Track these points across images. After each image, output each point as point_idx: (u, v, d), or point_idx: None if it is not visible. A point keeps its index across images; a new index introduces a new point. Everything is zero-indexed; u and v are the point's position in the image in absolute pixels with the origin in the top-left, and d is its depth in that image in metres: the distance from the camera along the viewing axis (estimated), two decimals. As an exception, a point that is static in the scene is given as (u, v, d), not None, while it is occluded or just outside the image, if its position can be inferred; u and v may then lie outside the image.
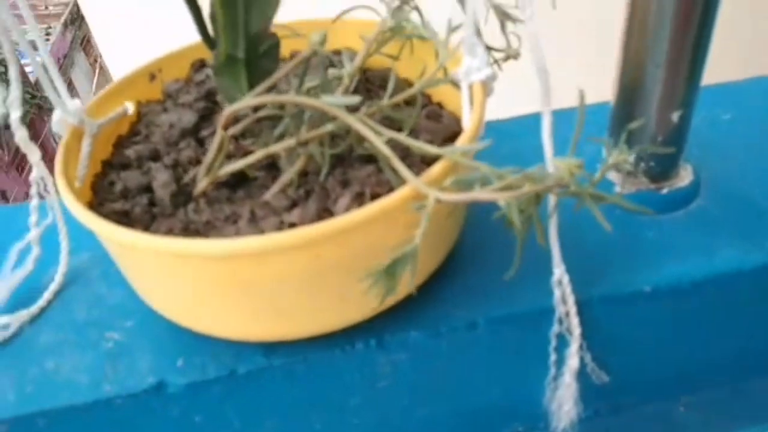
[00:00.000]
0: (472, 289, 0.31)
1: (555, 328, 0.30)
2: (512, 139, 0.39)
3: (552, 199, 0.27)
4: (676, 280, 0.31)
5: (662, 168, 0.34)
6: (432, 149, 0.25)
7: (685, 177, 0.35)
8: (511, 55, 0.39)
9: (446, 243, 0.31)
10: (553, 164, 0.26)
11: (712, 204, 0.35)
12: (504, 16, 0.37)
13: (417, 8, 0.37)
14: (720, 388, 0.38)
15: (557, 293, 0.29)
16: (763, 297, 0.33)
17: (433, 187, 0.23)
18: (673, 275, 0.31)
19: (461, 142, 0.27)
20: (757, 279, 0.31)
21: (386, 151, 0.25)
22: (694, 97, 0.32)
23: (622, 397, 0.36)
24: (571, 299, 0.29)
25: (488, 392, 0.33)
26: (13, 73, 0.29)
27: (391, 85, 0.30)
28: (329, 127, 0.27)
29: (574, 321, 0.29)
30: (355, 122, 0.25)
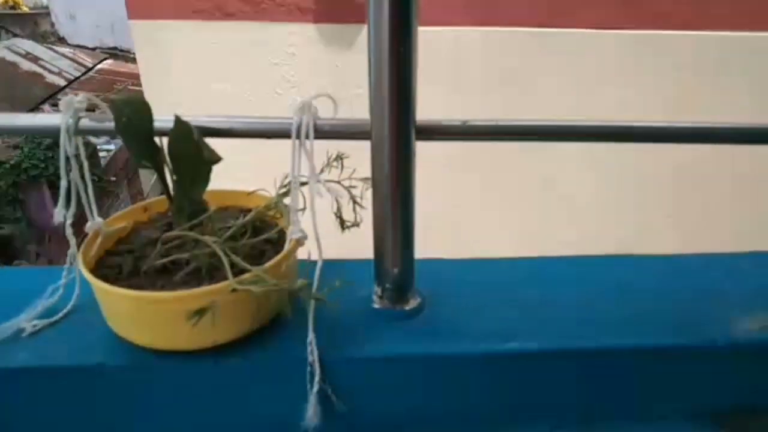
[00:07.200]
0: (276, 339, 0.59)
1: (309, 369, 0.57)
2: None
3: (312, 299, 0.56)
4: (383, 353, 0.58)
5: (396, 297, 0.63)
6: (246, 266, 0.54)
7: (413, 303, 0.63)
8: (355, 223, 0.70)
9: (264, 312, 0.59)
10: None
11: (427, 323, 0.62)
12: (353, 201, 0.69)
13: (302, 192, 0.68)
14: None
15: (309, 348, 0.56)
16: (438, 378, 0.59)
17: (241, 284, 0.52)
18: (383, 350, 0.58)
19: (267, 265, 0.56)
20: (431, 365, 0.58)
21: (227, 264, 0.54)
22: (410, 257, 0.61)
23: None
24: (315, 352, 0.56)
25: (272, 406, 0.60)
26: (84, 198, 0.61)
27: (249, 230, 0.61)
28: (207, 250, 0.57)
29: (317, 366, 0.56)
30: (215, 247, 0.55)
